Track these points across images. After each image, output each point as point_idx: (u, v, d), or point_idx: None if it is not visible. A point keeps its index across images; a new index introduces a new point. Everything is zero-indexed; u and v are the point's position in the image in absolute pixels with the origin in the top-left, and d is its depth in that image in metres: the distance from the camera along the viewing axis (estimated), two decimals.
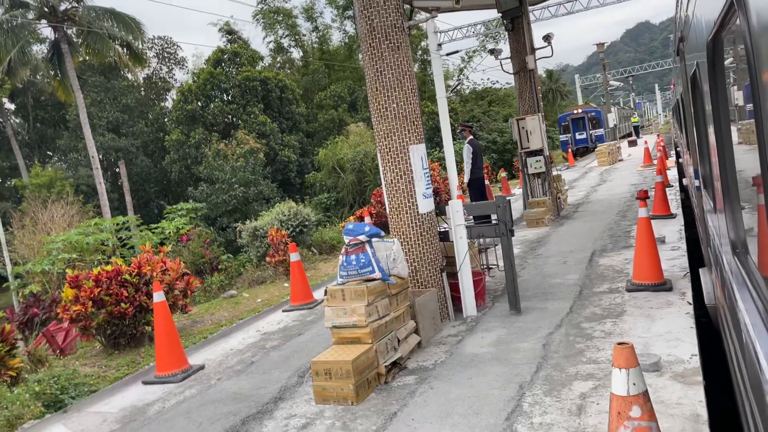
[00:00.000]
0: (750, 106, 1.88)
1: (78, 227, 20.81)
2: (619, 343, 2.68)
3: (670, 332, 4.96)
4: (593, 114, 35.34)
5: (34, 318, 15.30)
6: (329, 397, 4.71)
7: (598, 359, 4.69)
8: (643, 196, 6.60)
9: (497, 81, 63.19)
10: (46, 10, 27.67)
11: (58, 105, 38.68)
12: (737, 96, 2.36)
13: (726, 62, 2.58)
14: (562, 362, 4.76)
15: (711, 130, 3.05)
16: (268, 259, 14.78)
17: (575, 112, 35.69)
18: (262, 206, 25.57)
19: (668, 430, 3.40)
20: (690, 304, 5.62)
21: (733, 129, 2.56)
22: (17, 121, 43.23)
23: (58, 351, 13.35)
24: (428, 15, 6.68)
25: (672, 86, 20.01)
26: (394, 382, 4.95)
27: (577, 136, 35.18)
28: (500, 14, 12.18)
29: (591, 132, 35.25)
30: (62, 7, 28.31)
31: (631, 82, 61.43)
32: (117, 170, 36.42)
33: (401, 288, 5.46)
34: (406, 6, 6.28)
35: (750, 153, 2.26)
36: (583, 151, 34.84)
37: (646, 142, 24.62)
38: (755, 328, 2.24)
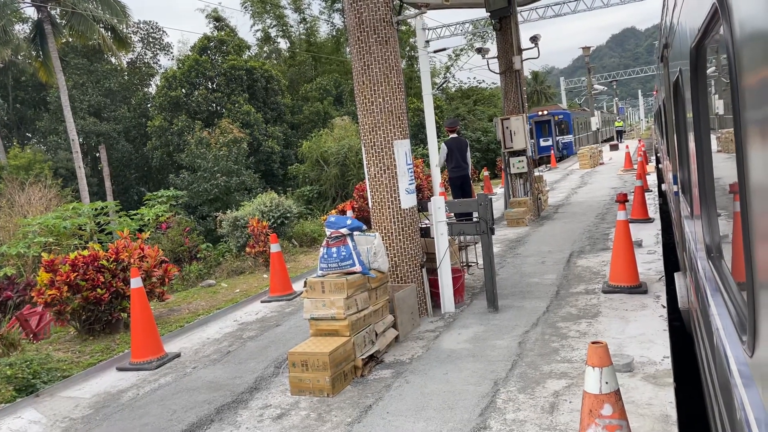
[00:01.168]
0: (729, 114, 1.92)
1: (55, 211, 20.52)
2: (594, 342, 2.73)
3: (643, 334, 5.04)
4: (561, 117, 31.11)
5: (7, 301, 15.07)
6: (305, 388, 4.72)
7: (573, 358, 4.75)
8: (622, 200, 6.68)
9: (483, 80, 63.37)
10: None
11: (39, 86, 38.01)
12: (718, 104, 2.40)
13: (708, 70, 2.62)
14: (537, 360, 4.81)
15: (691, 137, 3.10)
16: (248, 249, 14.72)
17: (540, 113, 30.59)
18: (244, 196, 25.42)
19: (638, 429, 3.47)
20: (664, 307, 5.71)
21: (712, 136, 2.61)
22: None
23: (31, 335, 13.17)
24: (417, 11, 6.69)
25: (655, 92, 20.24)
26: (371, 375, 4.98)
27: (541, 143, 30.12)
28: (488, 14, 12.25)
29: (558, 138, 31.03)
30: None
31: (615, 86, 62.08)
32: (97, 155, 35.95)
33: (381, 282, 5.48)
34: (396, 1, 6.27)
35: (728, 161, 2.31)
36: (547, 160, 29.42)
37: (627, 147, 24.89)
38: (726, 331, 2.29)
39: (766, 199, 1.28)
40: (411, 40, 38.33)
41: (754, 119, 1.34)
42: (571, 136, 31.53)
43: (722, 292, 2.38)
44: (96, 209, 19.56)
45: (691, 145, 3.14)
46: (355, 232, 5.32)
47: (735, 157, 1.60)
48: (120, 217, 19.85)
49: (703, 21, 2.03)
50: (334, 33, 43.30)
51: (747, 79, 1.39)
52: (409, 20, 6.64)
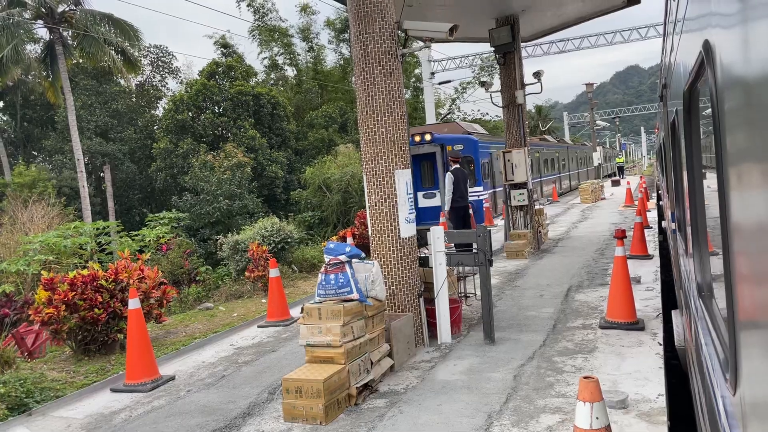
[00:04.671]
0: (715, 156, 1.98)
1: (57, 229, 20.57)
2: (585, 377, 2.74)
3: (639, 371, 5.03)
4: (460, 148, 17.25)
5: (4, 318, 15.03)
6: (298, 415, 4.70)
7: (567, 393, 4.74)
8: (620, 236, 6.72)
9: (487, 113, 63.98)
10: (43, 10, 27.66)
11: (47, 105, 38.43)
12: (706, 145, 2.46)
13: (702, 112, 2.69)
14: (532, 394, 4.80)
15: (684, 176, 3.16)
16: (247, 273, 14.71)
17: (416, 139, 17.03)
18: (246, 220, 25.47)
19: None
20: (660, 344, 5.70)
21: (703, 176, 2.67)
22: (4, 118, 42.87)
23: (26, 353, 13.11)
24: (422, 44, 6.82)
25: (656, 130, 20.44)
26: (365, 404, 4.96)
27: (421, 200, 17.88)
28: (493, 48, 12.45)
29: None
30: (60, 9, 28.33)
31: (617, 123, 62.61)
32: (102, 175, 36.14)
33: (378, 310, 5.49)
34: (401, 33, 6.41)
35: (716, 201, 2.36)
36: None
37: (628, 183, 25.01)
38: (714, 370, 2.31)
39: (744, 240, 1.32)
40: (416, 71, 38.85)
41: (734, 162, 1.40)
42: (481, 183, 18.56)
43: (711, 330, 2.41)
44: (98, 229, 19.62)
45: (685, 184, 3.19)
46: (353, 260, 5.35)
47: (717, 198, 1.65)
48: (121, 237, 19.89)
49: (693, 65, 2.10)
50: (341, 62, 43.86)
51: (729, 123, 1.45)
52: (415, 52, 6.78)
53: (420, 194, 17.98)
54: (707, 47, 1.67)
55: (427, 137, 16.79)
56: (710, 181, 2.43)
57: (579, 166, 37.16)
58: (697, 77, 2.24)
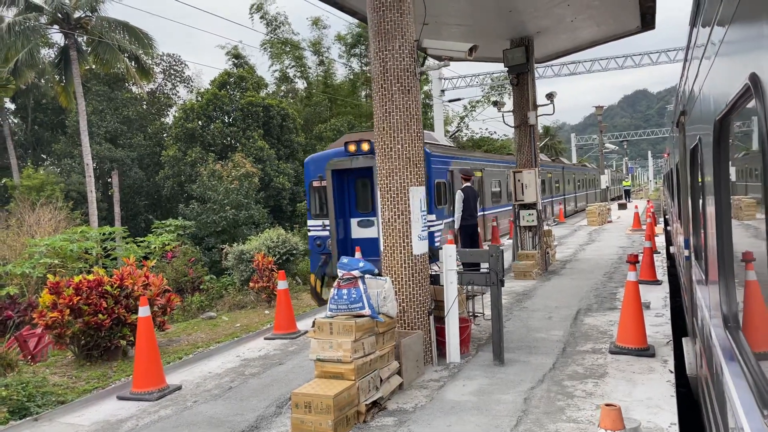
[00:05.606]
0: (754, 183, 1.96)
1: (64, 233, 20.61)
2: (607, 405, 2.71)
3: (650, 399, 4.98)
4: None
5: (7, 320, 15.02)
6: (307, 430, 4.66)
7: (578, 419, 4.69)
8: (633, 260, 6.69)
9: (495, 132, 64.20)
10: (59, 16, 27.94)
11: (58, 109, 38.71)
12: (740, 174, 2.45)
13: (731, 142, 2.68)
14: (542, 418, 4.75)
15: (710, 205, 3.14)
16: (251, 284, 14.69)
17: (351, 149, 13.34)
18: (251, 230, 25.49)
19: None
20: (671, 372, 5.65)
21: (734, 206, 2.65)
22: (15, 121, 43.16)
23: (29, 357, 13.08)
24: (440, 63, 6.85)
25: (666, 155, 20.39)
26: (373, 421, 4.91)
27: (355, 229, 14.09)
28: (506, 68, 12.51)
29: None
30: (76, 15, 28.62)
31: (625, 146, 62.68)
32: (109, 180, 36.27)
33: (389, 327, 5.46)
34: (420, 52, 6.44)
35: (747, 230, 2.34)
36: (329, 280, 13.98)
37: (636, 207, 24.96)
38: (743, 403, 2.28)
39: None
40: (426, 87, 39.02)
41: None
42: (433, 215, 13.89)
43: (740, 362, 2.38)
44: (104, 234, 19.65)
45: (710, 211, 3.17)
46: (366, 275, 5.33)
47: (765, 228, 1.63)
48: (127, 243, 19.91)
49: (734, 96, 2.09)
50: (351, 76, 44.11)
51: None
52: (434, 70, 6.80)
53: (353, 221, 14.00)
54: (755, 79, 1.66)
55: (365, 146, 13.02)
56: (743, 212, 2.42)
57: (586, 188, 37.07)
58: (733, 108, 2.23)
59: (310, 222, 14.84)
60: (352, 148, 13.25)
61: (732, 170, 2.66)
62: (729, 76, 2.25)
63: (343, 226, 13.99)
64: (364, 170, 13.35)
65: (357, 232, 14.06)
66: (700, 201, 4.05)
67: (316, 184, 14.14)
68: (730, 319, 2.76)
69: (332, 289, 5.26)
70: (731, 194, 2.68)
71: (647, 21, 11.60)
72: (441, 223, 14.61)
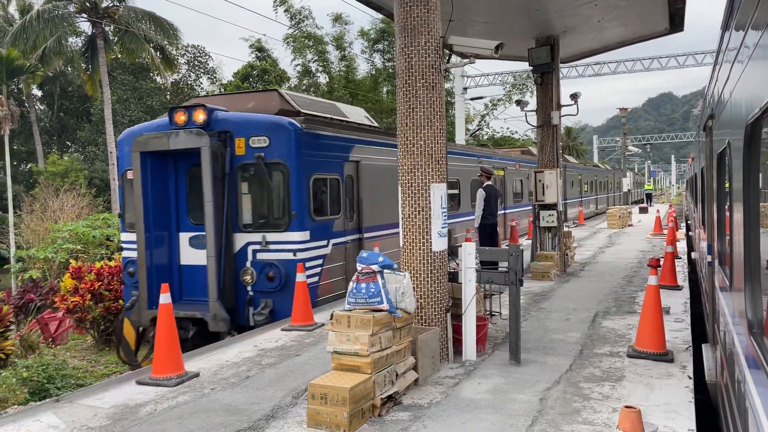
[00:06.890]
0: None
1: (86, 219, 20.91)
2: (627, 407, 2.70)
3: (668, 404, 4.94)
4: (263, 142, 8.98)
5: (29, 303, 15.29)
6: (322, 421, 4.69)
7: (594, 421, 4.66)
8: (655, 264, 6.62)
9: (516, 131, 63.78)
10: (87, 4, 28.31)
11: (84, 97, 39.22)
12: None
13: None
14: (558, 419, 4.73)
15: (738, 209, 3.10)
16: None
17: (178, 120, 9.06)
18: None
19: None
20: (690, 378, 5.60)
21: (764, 211, 2.62)
22: (41, 108, 43.83)
23: (49, 340, 13.31)
24: (465, 60, 6.83)
25: (690, 159, 20.11)
26: (388, 416, 4.94)
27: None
28: (531, 68, 12.43)
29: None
30: (104, 4, 28.96)
31: (648, 149, 61.96)
32: None
33: (406, 322, 5.47)
34: (445, 49, 6.43)
35: None
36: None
37: (658, 211, 24.69)
38: (767, 412, 2.26)
39: None
40: (447, 85, 38.89)
41: None
42: (299, 231, 9.04)
43: (765, 369, 2.35)
44: None
45: (737, 218, 3.13)
46: (385, 270, 5.35)
47: None
48: None
49: (767, 100, 2.07)
50: (373, 72, 44.07)
51: None
52: (459, 67, 6.79)
53: (183, 237, 9.51)
54: None
55: (199, 117, 8.93)
56: None
57: (608, 191, 36.55)
58: (766, 111, 2.21)
59: (124, 236, 10.22)
60: (180, 117, 9.05)
61: (761, 174, 2.63)
62: (763, 79, 2.22)
63: (166, 244, 9.37)
64: (192, 153, 8.89)
65: (187, 254, 9.46)
66: (727, 205, 4.00)
67: (132, 175, 9.34)
68: (755, 325, 2.73)
69: (351, 283, 5.28)
70: (761, 199, 2.65)
71: (676, 22, 11.44)
72: (318, 247, 9.50)
